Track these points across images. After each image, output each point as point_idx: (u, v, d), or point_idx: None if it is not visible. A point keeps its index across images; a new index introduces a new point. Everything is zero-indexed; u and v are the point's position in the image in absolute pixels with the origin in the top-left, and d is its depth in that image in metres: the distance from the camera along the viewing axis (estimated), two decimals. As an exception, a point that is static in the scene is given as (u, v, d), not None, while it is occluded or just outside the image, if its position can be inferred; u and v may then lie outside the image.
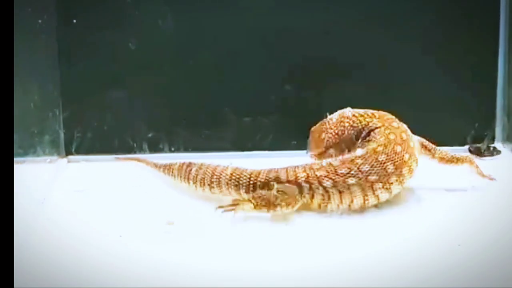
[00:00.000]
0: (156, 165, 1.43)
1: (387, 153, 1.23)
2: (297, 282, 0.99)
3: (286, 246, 1.12)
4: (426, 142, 1.33)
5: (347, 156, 1.25)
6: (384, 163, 1.21)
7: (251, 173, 1.27)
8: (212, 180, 1.28)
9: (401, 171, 1.23)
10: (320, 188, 1.21)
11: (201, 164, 1.32)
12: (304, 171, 1.23)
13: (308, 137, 1.39)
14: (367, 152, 1.23)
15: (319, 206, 1.22)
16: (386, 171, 1.21)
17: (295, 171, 1.24)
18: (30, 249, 1.09)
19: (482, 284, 0.97)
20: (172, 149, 1.60)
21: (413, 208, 1.28)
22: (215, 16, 1.55)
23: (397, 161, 1.23)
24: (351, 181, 1.20)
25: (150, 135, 1.59)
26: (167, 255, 1.08)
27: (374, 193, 1.22)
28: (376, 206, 1.26)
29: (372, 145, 1.25)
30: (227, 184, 1.27)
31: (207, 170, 1.30)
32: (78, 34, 1.53)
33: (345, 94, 1.59)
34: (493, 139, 1.61)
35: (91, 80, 1.57)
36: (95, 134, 1.59)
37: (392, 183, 1.23)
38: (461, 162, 1.35)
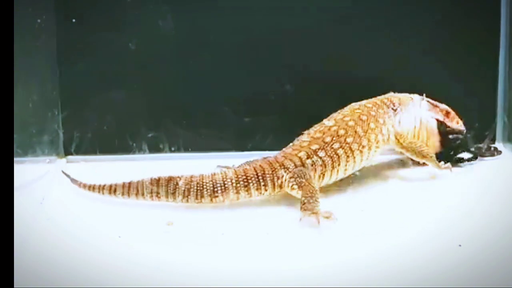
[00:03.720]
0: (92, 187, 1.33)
1: (354, 119, 1.36)
2: (297, 282, 0.99)
3: (285, 246, 1.12)
4: (400, 134, 1.42)
5: (319, 127, 1.37)
6: (354, 127, 1.35)
7: (255, 169, 1.28)
8: (215, 189, 1.26)
9: (369, 137, 1.35)
10: (319, 160, 1.31)
11: (189, 177, 1.27)
12: (300, 151, 1.32)
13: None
14: (336, 121, 1.37)
15: (319, 177, 1.31)
16: (357, 133, 1.34)
17: (296, 155, 1.30)
18: (29, 249, 1.09)
19: (482, 284, 0.97)
20: (172, 149, 1.60)
21: (413, 208, 1.28)
22: (215, 16, 1.55)
23: (364, 127, 1.36)
24: (335, 145, 1.32)
25: (150, 135, 1.59)
26: (167, 255, 1.08)
27: (353, 154, 1.33)
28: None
29: (339, 116, 1.39)
30: (236, 188, 1.26)
31: (202, 181, 1.26)
32: (78, 34, 1.53)
33: (345, 94, 1.59)
34: (493, 139, 1.61)
35: (90, 80, 1.57)
36: (94, 134, 1.59)
37: (364, 146, 1.35)
38: (426, 159, 1.42)
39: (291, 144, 1.37)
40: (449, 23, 1.59)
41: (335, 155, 1.32)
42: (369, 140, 1.35)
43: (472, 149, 1.50)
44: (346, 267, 1.03)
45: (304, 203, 1.21)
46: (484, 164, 1.50)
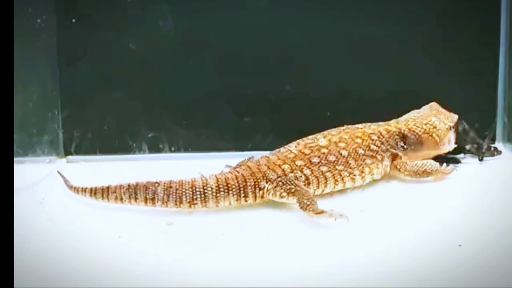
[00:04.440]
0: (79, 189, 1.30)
1: (349, 151, 1.34)
2: (297, 282, 0.99)
3: (285, 246, 1.12)
4: (399, 162, 1.39)
5: (310, 143, 1.35)
6: (346, 158, 1.33)
7: (237, 178, 1.26)
8: (195, 196, 1.23)
9: (362, 170, 1.34)
10: (303, 176, 1.29)
11: (168, 182, 1.24)
12: (284, 163, 1.30)
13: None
14: (329, 143, 1.34)
15: None
16: (349, 164, 1.33)
17: (279, 166, 1.29)
18: (29, 249, 1.09)
19: (482, 284, 0.97)
20: (172, 149, 1.60)
21: (413, 208, 1.28)
22: (215, 16, 1.55)
23: (358, 161, 1.34)
24: (323, 168, 1.30)
25: (150, 135, 1.59)
26: (167, 255, 1.08)
27: (342, 180, 1.32)
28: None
29: (334, 138, 1.35)
30: (216, 197, 1.24)
31: (182, 187, 1.24)
32: (78, 34, 1.53)
33: (346, 94, 1.59)
34: (493, 139, 1.61)
35: (90, 80, 1.57)
36: (94, 134, 1.59)
37: (355, 175, 1.33)
38: (431, 175, 1.40)
39: (277, 150, 1.36)
40: (449, 23, 1.59)
41: (322, 177, 1.30)
42: (362, 172, 1.34)
43: (472, 148, 1.50)
44: (346, 267, 1.03)
45: (308, 205, 1.20)
46: (484, 164, 1.50)
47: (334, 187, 1.32)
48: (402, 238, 1.14)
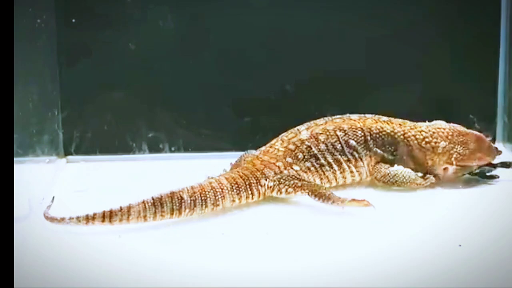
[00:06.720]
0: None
1: (327, 144, 1.33)
2: (297, 282, 0.99)
3: (285, 246, 1.12)
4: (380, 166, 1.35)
5: (293, 137, 1.34)
6: (323, 152, 1.32)
7: (242, 178, 1.26)
8: (216, 197, 1.21)
9: (339, 165, 1.33)
10: (295, 173, 1.29)
11: (190, 188, 1.20)
12: (277, 160, 1.30)
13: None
14: (311, 137, 1.33)
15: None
16: (327, 160, 1.32)
17: (274, 164, 1.29)
18: (29, 249, 1.09)
19: (482, 284, 0.97)
20: (172, 149, 1.60)
21: (413, 208, 1.28)
22: (215, 16, 1.56)
23: (335, 155, 1.32)
24: (307, 164, 1.31)
25: (150, 135, 1.59)
26: (167, 255, 1.08)
27: (325, 174, 1.32)
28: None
29: (316, 129, 1.34)
30: (231, 195, 1.23)
31: (204, 190, 1.21)
32: (78, 34, 1.54)
33: (345, 94, 1.60)
34: (493, 139, 1.61)
35: (90, 80, 1.57)
36: (94, 134, 1.59)
37: (336, 171, 1.32)
38: (403, 186, 1.34)
39: (263, 148, 1.36)
40: (449, 23, 1.60)
41: (309, 172, 1.30)
42: (340, 167, 1.33)
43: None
44: (346, 267, 1.03)
45: (328, 196, 1.20)
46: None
47: (322, 183, 1.31)
48: (402, 238, 1.14)
